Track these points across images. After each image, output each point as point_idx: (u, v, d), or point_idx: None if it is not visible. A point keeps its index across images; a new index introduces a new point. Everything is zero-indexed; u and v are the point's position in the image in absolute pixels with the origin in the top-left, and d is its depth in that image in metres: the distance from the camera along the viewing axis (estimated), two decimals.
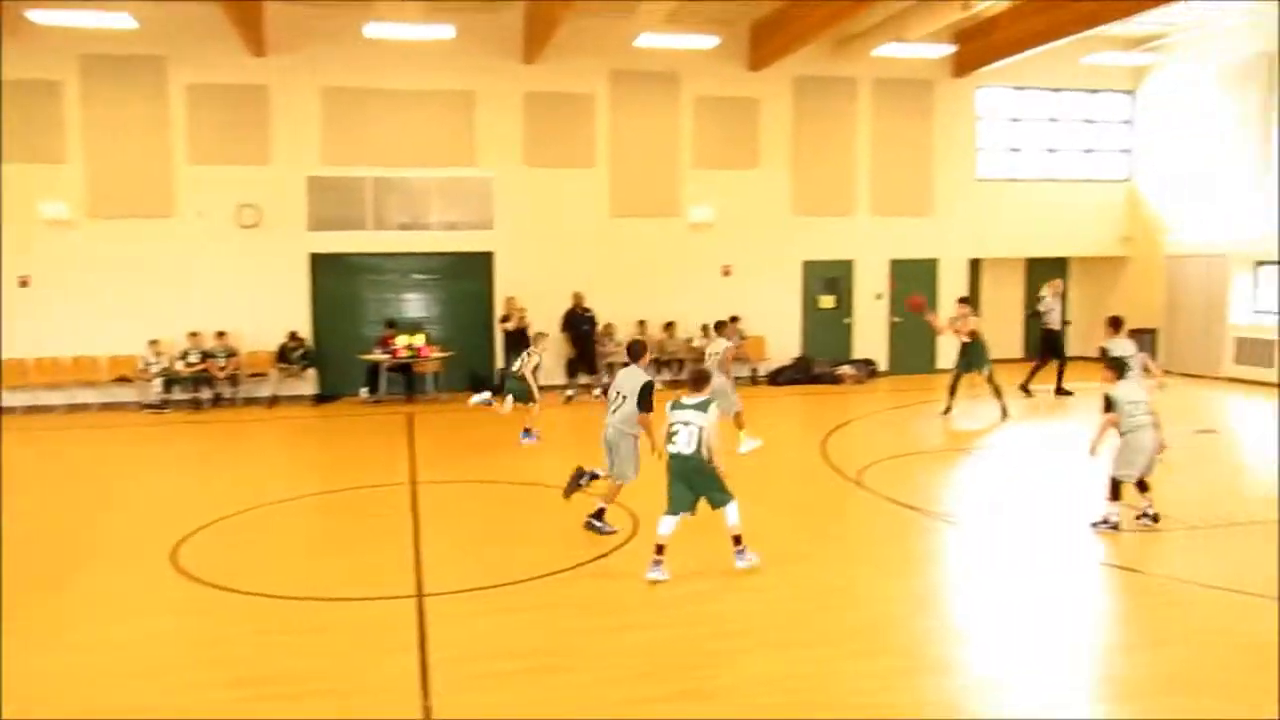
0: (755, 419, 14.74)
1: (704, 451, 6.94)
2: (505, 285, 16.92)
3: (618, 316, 17.32)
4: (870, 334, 19.02)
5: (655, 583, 6.87)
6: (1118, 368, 8.33)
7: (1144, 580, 7.16)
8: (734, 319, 15.08)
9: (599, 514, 8.21)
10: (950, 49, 17.48)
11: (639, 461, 8.07)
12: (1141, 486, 8.16)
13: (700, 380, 7.28)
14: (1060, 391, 15.60)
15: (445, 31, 14.91)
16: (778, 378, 18.03)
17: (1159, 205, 19.43)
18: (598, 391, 16.12)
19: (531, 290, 16.71)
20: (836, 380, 17.98)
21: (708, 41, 15.73)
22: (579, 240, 17.30)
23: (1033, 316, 17.05)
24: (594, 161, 17.37)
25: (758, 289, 18.14)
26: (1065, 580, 7.17)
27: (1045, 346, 16.25)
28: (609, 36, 16.70)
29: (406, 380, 16.51)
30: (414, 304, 17.33)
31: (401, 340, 16.06)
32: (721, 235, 17.93)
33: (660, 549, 6.97)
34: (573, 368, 16.86)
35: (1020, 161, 19.77)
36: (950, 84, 18.80)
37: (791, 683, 5.35)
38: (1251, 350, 17.05)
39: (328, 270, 16.68)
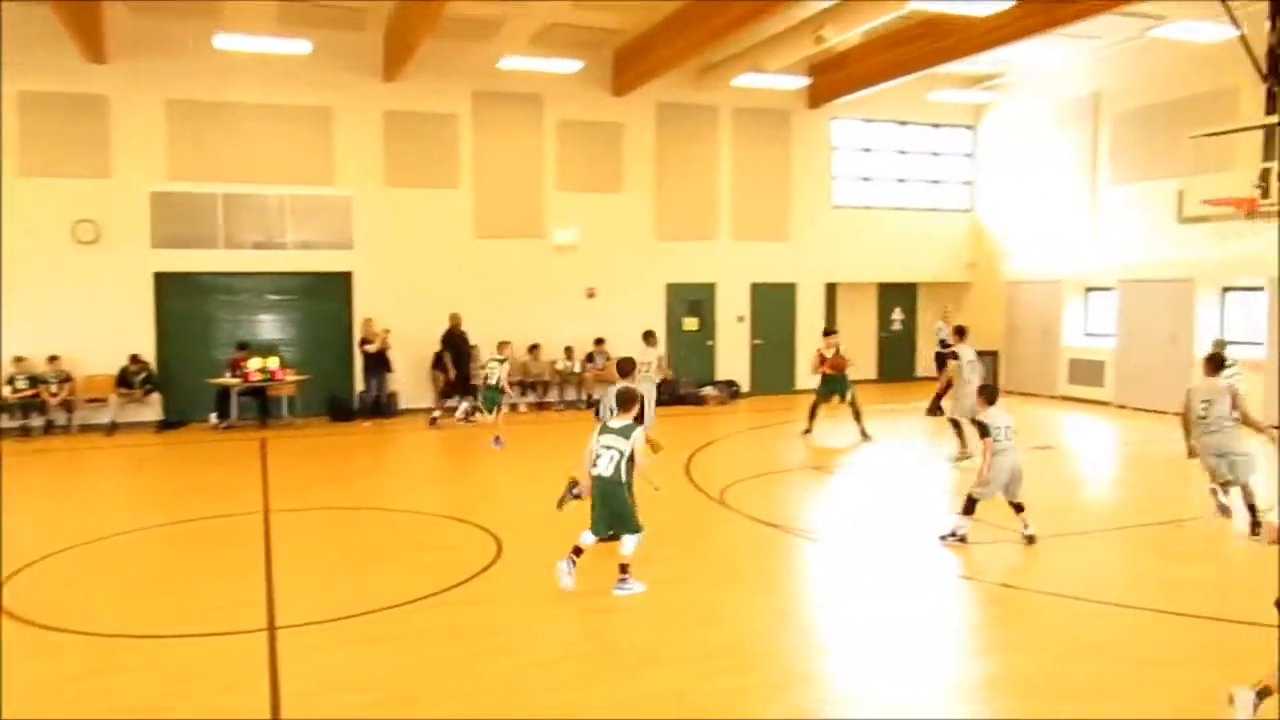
0: None
1: (622, 475, 6.99)
2: (365, 306, 16.49)
3: (481, 338, 17.05)
4: (732, 356, 19.39)
5: (564, 587, 6.91)
6: (989, 395, 8.63)
7: (993, 590, 7.49)
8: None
9: (568, 499, 8.28)
10: (805, 81, 18.12)
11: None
12: (1017, 508, 8.39)
13: (628, 401, 7.29)
14: (933, 409, 16.17)
15: (301, 46, 14.50)
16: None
17: (999, 234, 20.58)
18: (460, 414, 15.87)
19: (393, 311, 16.36)
20: (700, 401, 18.24)
21: (571, 66, 15.82)
22: (442, 261, 17.04)
23: (944, 347, 17.19)
24: (457, 182, 17.17)
25: (622, 311, 18.25)
26: (920, 592, 7.42)
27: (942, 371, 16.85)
28: (471, 57, 16.59)
29: (260, 405, 15.84)
30: (268, 325, 16.67)
31: (254, 363, 15.40)
32: (586, 257, 17.98)
33: (577, 551, 7.02)
34: (450, 389, 16.39)
35: (872, 190, 20.62)
36: (806, 114, 19.48)
37: (660, 702, 5.33)
38: (1084, 370, 18.20)
39: (175, 290, 15.86)
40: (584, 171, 18.02)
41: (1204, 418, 8.67)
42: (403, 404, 16.77)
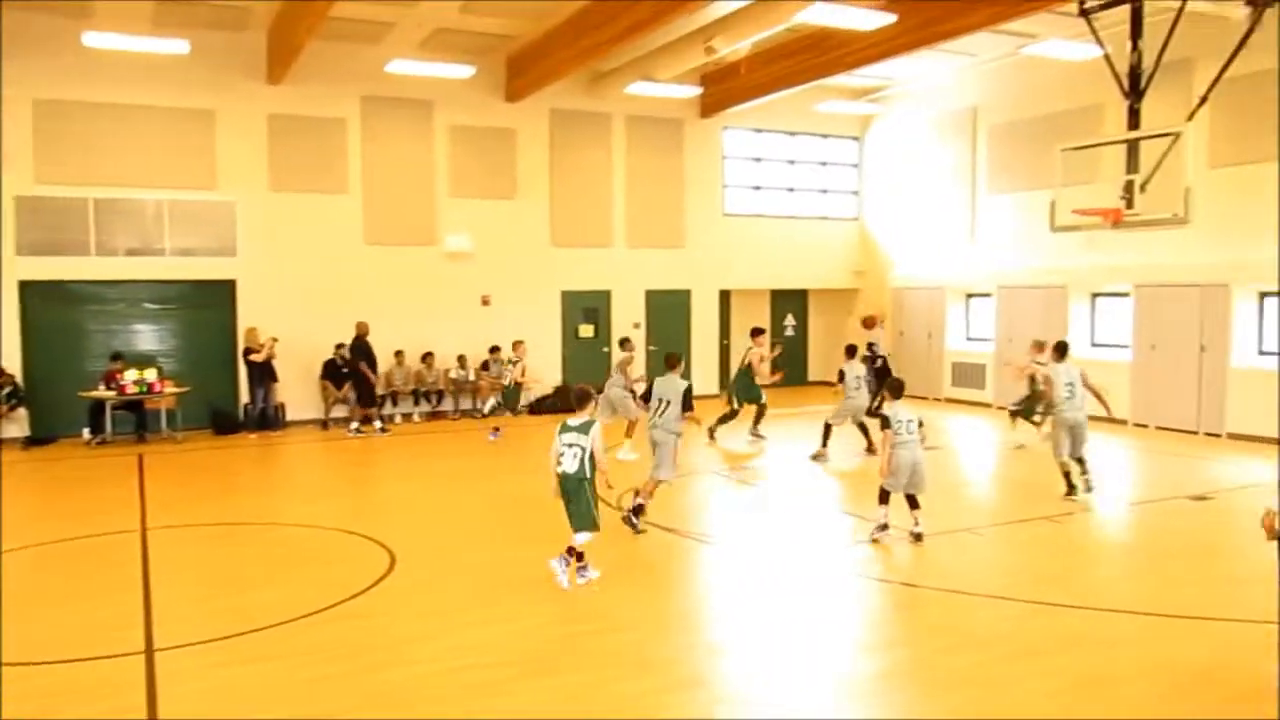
0: (517, 450, 14.72)
1: (586, 471, 7.32)
2: (250, 315, 15.94)
3: (376, 348, 16.72)
4: None
5: (589, 581, 7.35)
6: (895, 390, 9.01)
7: (881, 587, 7.70)
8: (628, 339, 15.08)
9: (637, 510, 9.01)
10: (697, 90, 18.34)
11: (677, 462, 9.08)
12: (912, 503, 8.70)
13: (583, 399, 7.64)
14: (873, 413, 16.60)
15: (178, 46, 13.96)
16: (538, 407, 18.06)
17: (885, 242, 21.21)
18: (378, 425, 15.60)
19: (279, 320, 15.86)
20: None
21: (462, 71, 15.65)
22: (331, 268, 16.63)
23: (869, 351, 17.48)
24: (346, 187, 16.79)
25: (517, 319, 18.13)
26: (811, 592, 7.57)
27: (878, 376, 17.20)
28: (359, 61, 16.28)
29: (137, 418, 15.17)
30: (146, 336, 15.97)
31: (130, 375, 14.74)
32: (480, 265, 17.81)
33: (579, 555, 7.38)
34: (363, 399, 15.93)
35: (763, 199, 21.00)
36: (698, 123, 19.72)
37: (557, 710, 5.30)
38: (966, 373, 18.89)
39: (42, 299, 15.06)
40: (477, 178, 17.85)
41: (1070, 397, 10.18)
42: (291, 415, 16.29)
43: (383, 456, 14.03)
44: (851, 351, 13.67)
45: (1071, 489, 10.28)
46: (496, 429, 14.71)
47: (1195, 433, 14.61)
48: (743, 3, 13.49)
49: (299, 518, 9.96)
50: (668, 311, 19.80)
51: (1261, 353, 14.37)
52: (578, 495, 7.38)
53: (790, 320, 22.46)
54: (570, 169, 18.66)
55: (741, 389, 14.62)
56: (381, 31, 15.60)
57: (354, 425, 15.62)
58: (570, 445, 7.36)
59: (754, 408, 14.49)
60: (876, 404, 15.62)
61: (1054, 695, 5.44)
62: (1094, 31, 13.18)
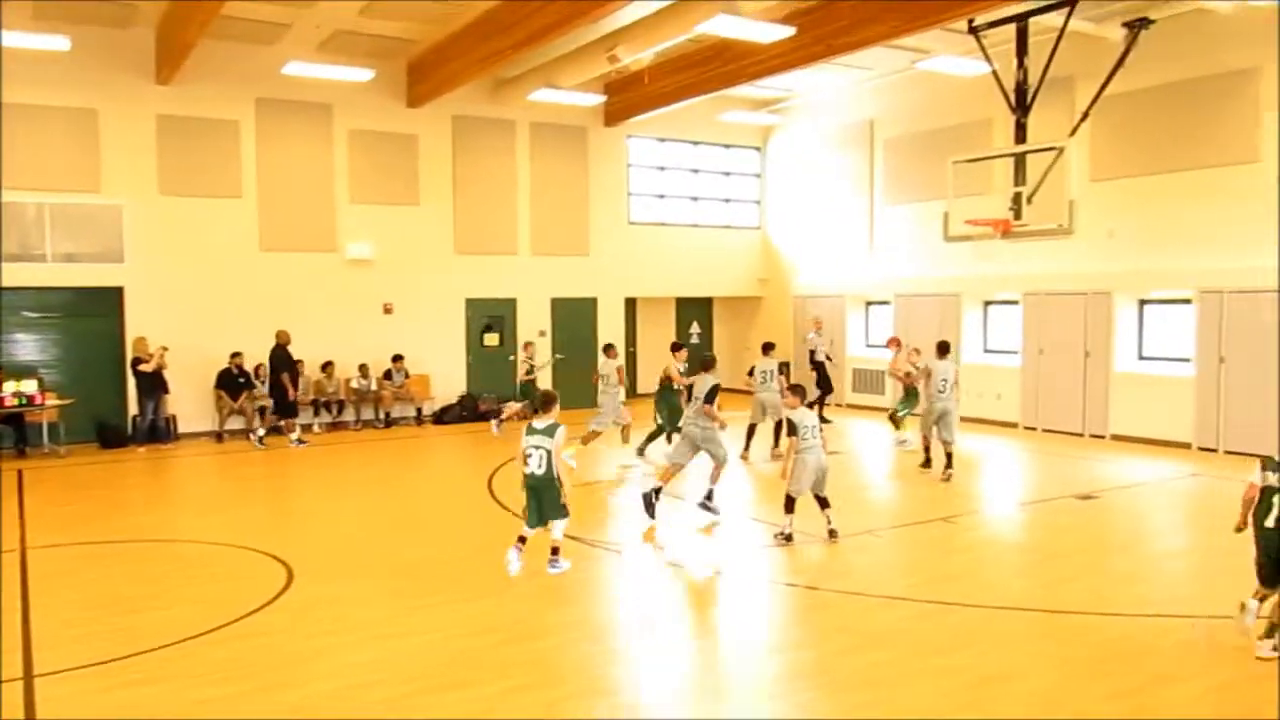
0: (420, 460, 14.50)
1: (553, 471, 7.73)
2: (138, 323, 15.31)
3: (269, 356, 16.27)
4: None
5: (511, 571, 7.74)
6: (799, 393, 9.28)
7: (786, 590, 7.79)
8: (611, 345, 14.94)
9: (710, 495, 9.90)
10: (601, 98, 18.38)
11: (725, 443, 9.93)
12: (822, 504, 8.98)
13: (548, 402, 8.14)
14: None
15: (58, 43, 13.33)
16: (443, 417, 17.81)
17: (787, 250, 21.59)
18: (295, 436, 15.24)
19: (170, 329, 15.28)
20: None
21: (362, 74, 15.35)
22: (224, 275, 16.11)
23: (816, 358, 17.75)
24: (240, 192, 16.29)
25: (421, 327, 17.88)
26: (718, 596, 7.63)
27: (819, 379, 17.41)
28: (253, 61, 15.84)
29: (17, 432, 14.44)
30: (26, 345, 15.17)
31: (9, 386, 14.00)
32: (382, 272, 17.49)
33: (521, 539, 7.86)
34: (282, 409, 15.41)
35: (668, 207, 21.16)
36: (603, 131, 19.77)
37: None
38: (866, 380, 19.33)
39: None
40: (378, 183, 17.53)
41: (942, 391, 11.78)
42: (183, 428, 15.72)
43: (280, 469, 13.64)
44: (767, 349, 13.91)
45: (927, 463, 12.15)
46: (500, 421, 15.90)
47: (1081, 435, 15.24)
48: (645, 12, 13.59)
49: (190, 533, 9.60)
50: (573, 319, 19.77)
51: (1141, 358, 15.08)
52: (546, 492, 7.81)
53: (695, 328, 22.66)
54: (474, 175, 18.48)
55: (662, 404, 14.36)
56: (277, 32, 15.21)
57: (294, 437, 15.23)
58: (537, 447, 7.76)
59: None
60: (812, 403, 16.03)
61: (951, 693, 5.58)
62: (983, 49, 13.69)
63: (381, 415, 17.15)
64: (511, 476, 12.56)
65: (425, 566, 8.23)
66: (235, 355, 15.66)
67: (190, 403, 15.81)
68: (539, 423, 7.90)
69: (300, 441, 15.19)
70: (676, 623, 6.99)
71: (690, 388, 10.32)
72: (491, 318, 18.96)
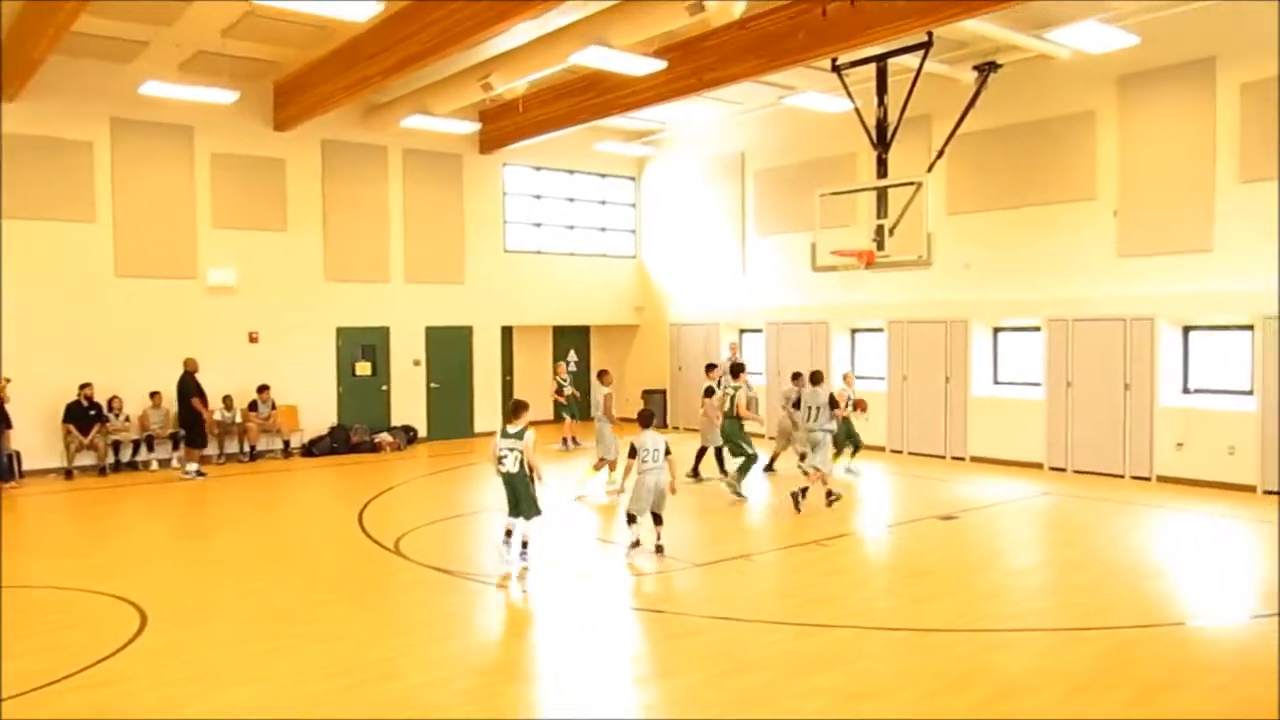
0: (287, 495, 14.01)
1: (524, 469, 8.70)
2: None
3: (127, 387, 15.49)
4: (409, 400, 18.97)
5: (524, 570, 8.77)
6: (644, 420, 9.77)
7: (659, 618, 7.82)
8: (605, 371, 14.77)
9: (829, 496, 11.66)
10: (475, 126, 18.29)
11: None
12: (656, 520, 9.42)
13: (518, 409, 8.87)
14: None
15: None
16: (312, 449, 17.26)
17: (662, 279, 21.86)
18: (194, 467, 14.74)
19: (13, 360, 14.36)
20: (375, 448, 17.66)
21: (226, 96, 14.83)
22: (75, 302, 15.27)
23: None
24: (94, 215, 15.50)
25: (288, 356, 17.32)
26: (592, 626, 7.60)
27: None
28: (109, 79, 15.18)
29: None
30: None
31: None
32: (247, 300, 16.89)
33: (524, 543, 8.91)
34: (194, 439, 14.99)
35: (544, 236, 21.17)
36: (478, 159, 19.67)
37: None
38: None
39: None
40: (243, 208, 16.95)
41: (809, 419, 12.01)
42: (28, 464, 14.75)
43: (135, 507, 12.95)
44: (816, 379, 13.25)
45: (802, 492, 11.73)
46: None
47: (943, 457, 15.87)
48: (519, 42, 13.63)
49: (37, 578, 9.00)
50: (448, 348, 19.51)
51: (997, 382, 15.85)
52: (521, 487, 8.76)
53: (573, 356, 22.61)
54: (345, 201, 18.09)
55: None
56: (134, 50, 14.62)
57: (191, 467, 14.86)
58: (510, 450, 8.72)
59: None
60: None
61: (823, 711, 5.69)
62: (845, 87, 14.24)
63: (246, 448, 16.50)
64: (386, 508, 12.29)
65: (287, 607, 7.92)
66: (84, 386, 14.84)
67: (36, 437, 14.87)
68: (512, 428, 8.78)
69: (200, 473, 14.78)
70: (546, 656, 6.93)
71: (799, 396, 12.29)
72: (364, 346, 18.52)
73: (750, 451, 12.70)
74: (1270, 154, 12.42)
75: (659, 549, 9.47)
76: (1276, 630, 7.12)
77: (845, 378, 15.22)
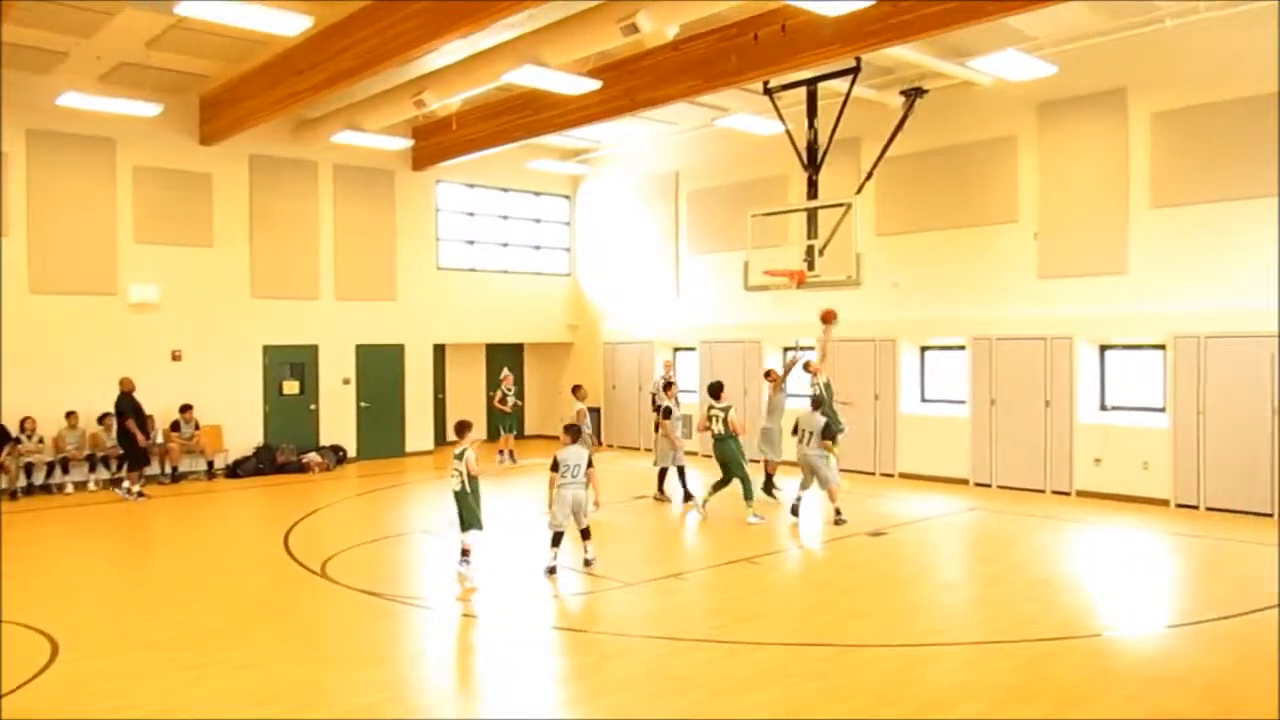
0: (212, 517, 13.65)
1: (466, 486, 9.17)
2: None
3: (41, 408, 14.96)
4: (338, 419, 18.66)
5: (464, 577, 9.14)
6: (571, 435, 9.79)
7: (592, 638, 7.79)
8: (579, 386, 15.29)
9: (838, 517, 11.97)
10: (408, 143, 18.15)
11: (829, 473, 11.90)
12: (584, 534, 9.55)
13: (462, 429, 9.40)
14: None
15: None
16: (237, 470, 16.86)
17: (597, 297, 21.89)
18: (137, 489, 14.42)
19: None
20: (303, 469, 17.33)
21: (149, 109, 14.52)
22: None
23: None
24: (8, 230, 14.99)
25: (213, 375, 16.92)
26: (524, 648, 7.54)
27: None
28: (24, 90, 14.73)
29: None
30: None
31: None
32: (170, 317, 16.47)
33: (466, 551, 9.24)
34: (136, 460, 14.65)
35: (478, 253, 21.05)
36: (411, 175, 19.51)
37: None
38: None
39: None
40: (167, 223, 16.55)
41: (802, 440, 12.13)
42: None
43: (48, 531, 12.48)
44: (668, 388, 14.39)
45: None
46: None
47: (873, 473, 16.10)
48: (452, 59, 13.58)
49: None
50: (379, 366, 19.25)
51: (924, 400, 16.16)
52: (463, 502, 9.22)
53: (506, 374, 22.47)
54: (274, 217, 17.78)
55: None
56: (53, 61, 14.23)
57: (131, 488, 14.51)
58: (456, 470, 9.20)
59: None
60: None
61: None
62: (777, 109, 14.46)
63: (168, 470, 16.05)
64: (313, 530, 12.05)
65: (207, 633, 7.72)
66: None
67: None
68: (457, 449, 9.25)
69: (140, 495, 14.43)
70: (476, 680, 6.85)
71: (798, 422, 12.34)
72: (292, 365, 18.18)
73: (748, 473, 12.51)
74: (1181, 181, 12.94)
75: (587, 563, 9.59)
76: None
77: (807, 365, 14.22)
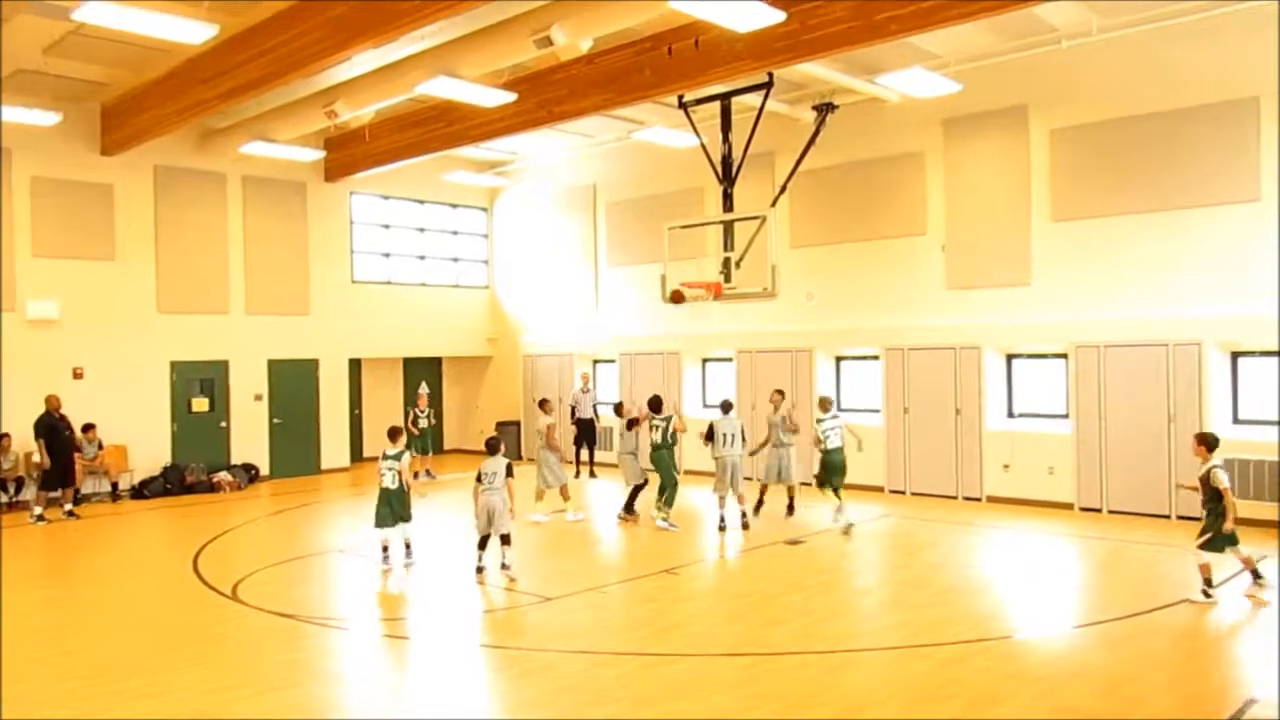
0: (116, 540, 13.16)
1: (403, 484, 10.31)
2: None
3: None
4: (250, 437, 18.17)
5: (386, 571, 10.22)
6: (491, 447, 10.12)
7: (513, 654, 7.72)
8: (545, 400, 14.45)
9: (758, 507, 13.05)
10: (320, 154, 17.81)
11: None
12: (504, 540, 9.96)
13: (394, 434, 10.61)
14: (592, 474, 17.60)
15: None
16: (144, 490, 16.30)
17: (515, 310, 21.77)
18: (69, 507, 14.05)
19: None
20: (214, 488, 16.84)
21: (47, 118, 13.99)
22: None
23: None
24: None
25: (117, 392, 16.34)
26: (443, 665, 7.45)
27: (579, 435, 17.81)
28: None
29: None
30: None
31: None
32: (70, 333, 15.87)
33: (407, 545, 10.63)
34: (51, 480, 14.08)
35: (394, 266, 20.77)
36: (323, 187, 19.17)
37: None
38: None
39: None
40: (67, 236, 15.95)
41: (725, 444, 12.52)
42: None
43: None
44: (727, 408, 13.59)
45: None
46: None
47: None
48: (364, 69, 13.41)
49: None
50: (293, 381, 18.82)
51: (839, 409, 16.40)
52: (397, 500, 10.33)
53: (424, 388, 22.18)
54: (180, 230, 17.27)
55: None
56: None
57: (41, 510, 14.02)
58: (390, 468, 10.30)
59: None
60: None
61: None
62: (692, 123, 14.61)
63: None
64: (224, 552, 11.70)
65: (109, 663, 7.43)
66: None
67: None
68: (390, 450, 10.40)
69: (41, 518, 13.93)
70: (394, 700, 6.74)
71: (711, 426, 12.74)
72: (202, 381, 17.66)
73: (676, 480, 12.94)
74: (1079, 195, 13.45)
75: (504, 566, 9.92)
76: None
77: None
